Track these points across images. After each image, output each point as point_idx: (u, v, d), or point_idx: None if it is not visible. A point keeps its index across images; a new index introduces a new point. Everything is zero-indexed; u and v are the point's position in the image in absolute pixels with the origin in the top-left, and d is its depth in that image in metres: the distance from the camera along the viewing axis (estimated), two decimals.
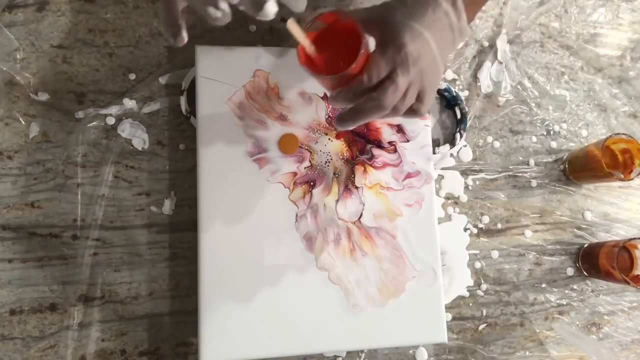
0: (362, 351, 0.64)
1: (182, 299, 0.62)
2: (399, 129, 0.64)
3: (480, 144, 0.72)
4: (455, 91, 0.69)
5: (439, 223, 0.67)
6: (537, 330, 0.69)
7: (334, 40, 0.46)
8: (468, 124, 0.71)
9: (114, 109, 0.64)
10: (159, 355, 0.61)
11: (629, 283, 0.64)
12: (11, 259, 0.60)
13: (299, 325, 0.58)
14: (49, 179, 0.62)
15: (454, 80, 0.73)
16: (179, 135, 0.65)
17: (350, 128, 0.49)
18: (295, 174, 0.61)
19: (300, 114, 0.62)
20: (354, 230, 0.61)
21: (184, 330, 0.62)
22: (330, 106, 0.63)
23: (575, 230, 0.73)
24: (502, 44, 0.75)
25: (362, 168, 0.62)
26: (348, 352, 0.64)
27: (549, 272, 0.71)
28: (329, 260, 0.60)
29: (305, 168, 0.61)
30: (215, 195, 0.59)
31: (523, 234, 0.71)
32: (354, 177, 0.62)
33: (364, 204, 0.62)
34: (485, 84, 0.73)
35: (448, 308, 0.67)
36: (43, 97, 0.63)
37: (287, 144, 0.61)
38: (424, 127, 0.65)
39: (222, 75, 0.61)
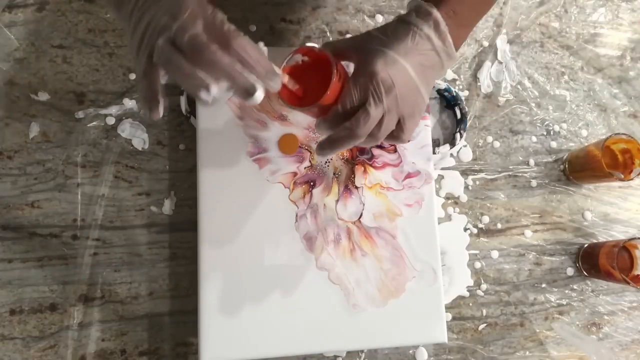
0: (362, 351, 0.64)
1: (182, 299, 0.62)
2: None
3: (480, 144, 0.72)
4: (455, 91, 0.69)
5: (439, 223, 0.67)
6: (537, 330, 0.69)
7: (312, 72, 0.47)
8: (468, 124, 0.71)
9: (114, 109, 0.64)
10: (159, 355, 0.61)
11: (629, 283, 0.64)
12: (11, 259, 0.60)
13: (299, 325, 0.58)
14: (49, 179, 0.62)
15: (454, 80, 0.73)
16: (179, 135, 0.65)
17: (330, 156, 0.48)
18: (295, 174, 0.61)
19: (300, 114, 0.62)
20: (354, 230, 0.61)
21: (184, 330, 0.62)
22: None
23: (575, 230, 0.73)
24: (502, 44, 0.75)
25: (362, 168, 0.62)
26: (348, 352, 0.64)
27: (549, 272, 0.71)
28: (329, 260, 0.60)
29: (305, 168, 0.61)
30: (215, 195, 0.59)
31: (523, 234, 0.71)
32: (354, 177, 0.62)
33: (364, 204, 0.62)
34: (485, 84, 0.73)
35: (448, 308, 0.67)
36: (43, 97, 0.63)
37: (287, 144, 0.61)
38: (424, 127, 0.65)
39: None
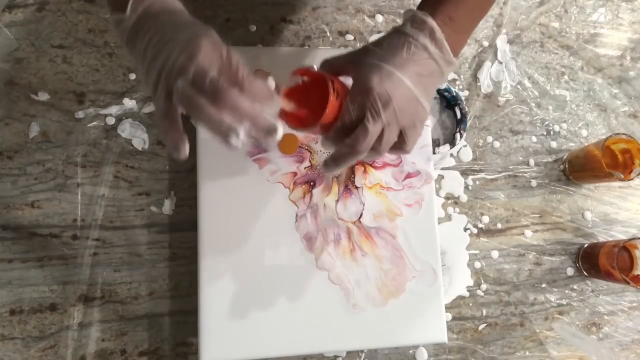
0: (362, 351, 0.64)
1: (182, 299, 0.62)
2: None
3: (480, 144, 0.72)
4: (455, 91, 0.69)
5: (439, 223, 0.67)
6: (537, 330, 0.69)
7: (312, 92, 0.48)
8: (468, 124, 0.71)
9: (114, 109, 0.64)
10: (159, 355, 0.61)
11: (629, 283, 0.64)
12: (11, 259, 0.60)
13: (299, 325, 0.58)
14: (49, 179, 0.62)
15: (454, 80, 0.73)
16: None
17: (336, 172, 0.49)
18: (295, 174, 0.61)
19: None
20: (354, 230, 0.61)
21: (184, 330, 0.62)
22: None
23: (575, 230, 0.73)
24: (502, 44, 0.75)
25: (362, 168, 0.62)
26: (348, 352, 0.64)
27: (549, 272, 0.71)
28: (329, 260, 0.60)
29: (305, 168, 0.61)
30: (215, 195, 0.59)
31: (523, 234, 0.71)
32: (354, 177, 0.62)
33: (364, 204, 0.62)
34: (485, 84, 0.73)
35: (448, 308, 0.67)
36: (43, 97, 0.63)
37: (287, 144, 0.61)
38: (424, 127, 0.64)
39: None
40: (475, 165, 0.71)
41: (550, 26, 0.77)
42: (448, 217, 0.70)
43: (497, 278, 0.69)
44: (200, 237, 0.58)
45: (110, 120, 0.64)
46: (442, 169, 0.70)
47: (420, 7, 0.49)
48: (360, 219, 0.62)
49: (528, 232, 0.71)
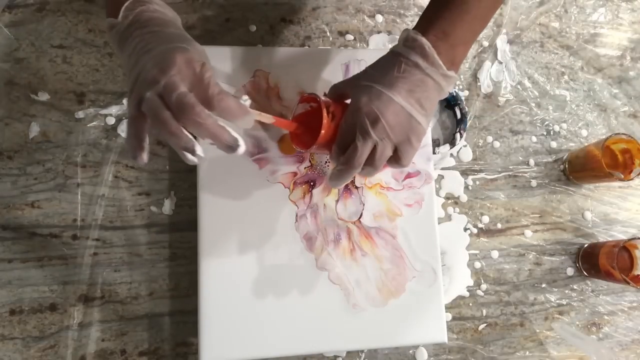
0: (362, 351, 0.64)
1: (182, 299, 0.62)
2: None
3: (480, 144, 0.72)
4: (455, 91, 0.69)
5: (439, 223, 0.67)
6: (537, 330, 0.69)
7: (314, 117, 0.51)
8: (468, 124, 0.71)
9: (114, 109, 0.64)
10: (159, 355, 0.61)
11: (629, 283, 0.64)
12: (11, 259, 0.60)
13: (299, 325, 0.58)
14: (49, 179, 0.62)
15: None
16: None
17: (340, 185, 0.52)
18: (295, 174, 0.61)
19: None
20: (354, 230, 0.61)
21: (184, 330, 0.62)
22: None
23: (575, 230, 0.73)
24: (502, 44, 0.75)
25: None
26: (348, 352, 0.64)
27: (549, 272, 0.71)
28: (329, 260, 0.60)
29: (305, 168, 0.61)
30: (215, 195, 0.59)
31: (523, 234, 0.71)
32: (354, 177, 0.62)
33: (364, 204, 0.62)
34: (485, 84, 0.73)
35: (448, 308, 0.67)
36: (43, 97, 0.63)
37: (287, 144, 0.61)
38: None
39: (222, 75, 0.61)
40: (475, 165, 0.71)
41: (550, 26, 0.77)
42: (448, 217, 0.70)
43: (497, 278, 0.69)
44: (200, 237, 0.58)
45: (110, 120, 0.64)
46: (442, 169, 0.70)
47: (417, 24, 0.50)
48: (360, 219, 0.62)
49: (528, 232, 0.71)
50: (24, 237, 0.60)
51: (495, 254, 0.70)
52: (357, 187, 0.62)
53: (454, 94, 0.69)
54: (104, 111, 0.64)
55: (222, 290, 0.57)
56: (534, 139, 0.74)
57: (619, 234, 0.74)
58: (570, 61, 0.77)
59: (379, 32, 0.72)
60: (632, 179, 0.68)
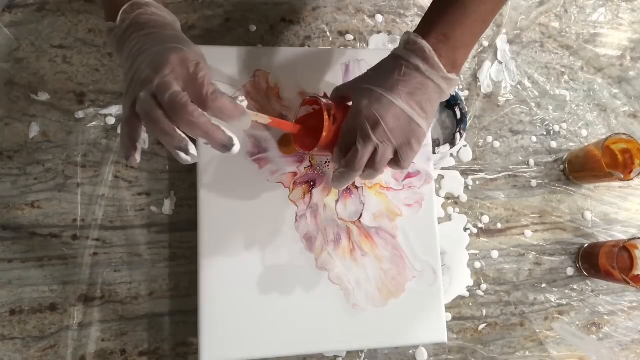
0: (362, 351, 0.64)
1: (182, 299, 0.62)
2: None
3: (480, 144, 0.72)
4: (455, 91, 0.69)
5: (439, 223, 0.67)
6: (537, 330, 0.69)
7: (316, 119, 0.52)
8: (468, 124, 0.71)
9: (114, 109, 0.64)
10: (159, 355, 0.61)
11: (629, 283, 0.64)
12: (11, 259, 0.60)
13: (299, 325, 0.58)
14: (49, 179, 0.62)
15: None
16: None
17: (342, 187, 0.53)
18: (295, 174, 0.61)
19: None
20: (354, 230, 0.61)
21: (184, 330, 0.62)
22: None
23: (575, 230, 0.73)
24: (502, 44, 0.75)
25: None
26: (348, 352, 0.64)
27: (549, 272, 0.71)
28: (329, 260, 0.60)
29: (305, 168, 0.61)
30: (215, 195, 0.59)
31: (523, 234, 0.71)
32: None
33: (364, 204, 0.62)
34: (485, 84, 0.73)
35: (448, 308, 0.67)
36: (43, 97, 0.63)
37: (287, 144, 0.61)
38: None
39: (222, 75, 0.61)
40: (475, 165, 0.71)
41: (550, 26, 0.77)
42: (448, 217, 0.70)
43: (497, 278, 0.69)
44: (200, 237, 0.58)
45: (110, 120, 0.64)
46: (442, 169, 0.70)
47: (418, 27, 0.50)
48: (360, 219, 0.62)
49: (528, 232, 0.71)
50: (24, 237, 0.60)
51: (495, 254, 0.70)
52: (357, 187, 0.62)
53: (454, 94, 0.69)
54: (104, 111, 0.64)
55: (222, 290, 0.57)
56: (534, 139, 0.74)
57: (619, 234, 0.74)
58: (570, 61, 0.77)
59: (379, 32, 0.72)
60: (632, 179, 0.68)
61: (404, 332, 0.60)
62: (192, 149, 0.40)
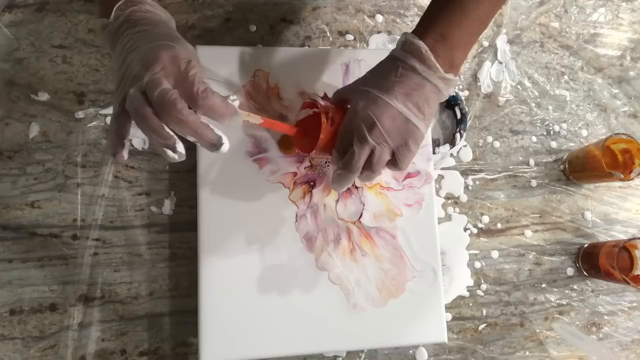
0: (362, 351, 0.64)
1: (182, 299, 0.62)
2: None
3: (480, 144, 0.72)
4: (455, 91, 0.69)
5: (439, 223, 0.67)
6: (537, 330, 0.69)
7: (315, 121, 0.52)
8: (468, 124, 0.71)
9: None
10: (159, 355, 0.61)
11: (629, 283, 0.64)
12: (11, 259, 0.60)
13: (299, 325, 0.58)
14: (49, 179, 0.62)
15: None
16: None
17: (342, 189, 0.52)
18: (295, 174, 0.61)
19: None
20: (354, 230, 0.61)
21: (184, 330, 0.62)
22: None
23: (575, 230, 0.72)
24: (502, 43, 0.75)
25: None
26: (348, 352, 0.64)
27: (549, 272, 0.71)
28: (329, 260, 0.60)
29: (305, 168, 0.61)
30: (215, 195, 0.59)
31: (523, 234, 0.71)
32: None
33: (364, 204, 0.62)
34: (485, 84, 0.73)
35: (448, 308, 0.67)
36: (43, 97, 0.63)
37: (287, 144, 0.61)
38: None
39: (222, 75, 0.61)
40: (475, 165, 0.71)
41: (550, 26, 0.77)
42: (448, 217, 0.70)
43: (497, 278, 0.69)
44: (200, 237, 0.58)
45: None
46: (442, 169, 0.70)
47: (416, 27, 0.50)
48: (360, 219, 0.62)
49: (528, 232, 0.71)
50: (24, 237, 0.60)
51: (495, 254, 0.70)
52: (357, 188, 0.62)
53: (454, 94, 0.69)
54: (104, 111, 0.64)
55: (222, 290, 0.57)
56: (534, 139, 0.74)
57: (619, 234, 0.74)
58: (570, 61, 0.77)
59: (379, 32, 0.72)
60: (632, 179, 0.68)
61: (404, 332, 0.60)
62: (179, 147, 0.40)
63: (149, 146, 0.64)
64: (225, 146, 0.41)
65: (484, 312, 0.68)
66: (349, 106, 0.51)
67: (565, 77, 0.76)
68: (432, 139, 0.67)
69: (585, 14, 0.78)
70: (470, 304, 0.68)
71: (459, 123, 0.69)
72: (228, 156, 0.60)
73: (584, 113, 0.76)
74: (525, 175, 0.73)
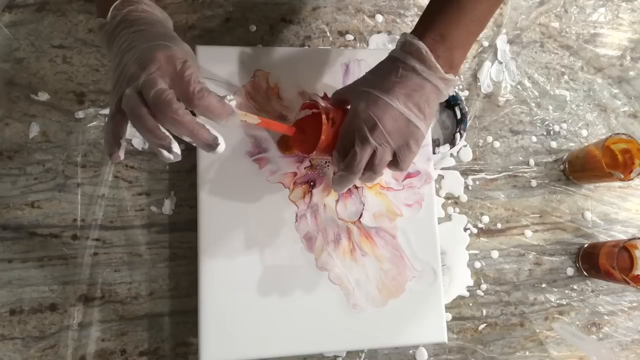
0: (362, 351, 0.64)
1: (182, 299, 0.62)
2: None
3: (480, 144, 0.72)
4: (455, 91, 0.69)
5: (439, 223, 0.67)
6: (537, 330, 0.69)
7: (315, 122, 0.52)
8: (468, 124, 0.71)
9: None
10: (159, 355, 0.61)
11: (629, 283, 0.64)
12: (11, 259, 0.60)
13: (299, 325, 0.58)
14: (49, 179, 0.62)
15: None
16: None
17: (343, 190, 0.52)
18: (295, 174, 0.61)
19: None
20: (354, 230, 0.61)
21: (184, 330, 0.62)
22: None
23: (575, 230, 0.72)
24: (502, 43, 0.75)
25: None
26: (348, 352, 0.64)
27: (549, 272, 0.71)
28: (329, 260, 0.60)
29: (305, 168, 0.61)
30: (215, 195, 0.59)
31: (523, 234, 0.71)
32: None
33: (364, 204, 0.62)
34: (485, 84, 0.73)
35: (448, 308, 0.67)
36: (43, 97, 0.63)
37: (287, 144, 0.61)
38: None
39: (222, 75, 0.61)
40: (475, 165, 0.71)
41: (550, 26, 0.77)
42: (448, 217, 0.70)
43: (497, 278, 0.69)
44: (200, 237, 0.58)
45: None
46: (442, 169, 0.70)
47: (415, 28, 0.50)
48: (360, 219, 0.62)
49: (528, 232, 0.71)
50: (24, 237, 0.60)
51: (495, 254, 0.70)
52: (357, 188, 0.62)
53: (454, 94, 0.69)
54: (104, 111, 0.64)
55: (222, 290, 0.57)
56: (534, 139, 0.74)
57: (619, 234, 0.74)
58: (570, 61, 0.77)
59: (379, 32, 0.72)
60: (632, 179, 0.68)
61: (404, 332, 0.60)
62: (175, 147, 0.40)
63: (149, 146, 0.64)
64: (221, 147, 0.40)
65: (484, 312, 0.68)
66: (348, 107, 0.51)
67: (565, 77, 0.76)
68: (432, 139, 0.67)
69: (585, 14, 0.78)
70: (470, 304, 0.68)
71: (459, 123, 0.69)
72: (228, 156, 0.60)
73: (584, 113, 0.76)
74: (525, 175, 0.73)
